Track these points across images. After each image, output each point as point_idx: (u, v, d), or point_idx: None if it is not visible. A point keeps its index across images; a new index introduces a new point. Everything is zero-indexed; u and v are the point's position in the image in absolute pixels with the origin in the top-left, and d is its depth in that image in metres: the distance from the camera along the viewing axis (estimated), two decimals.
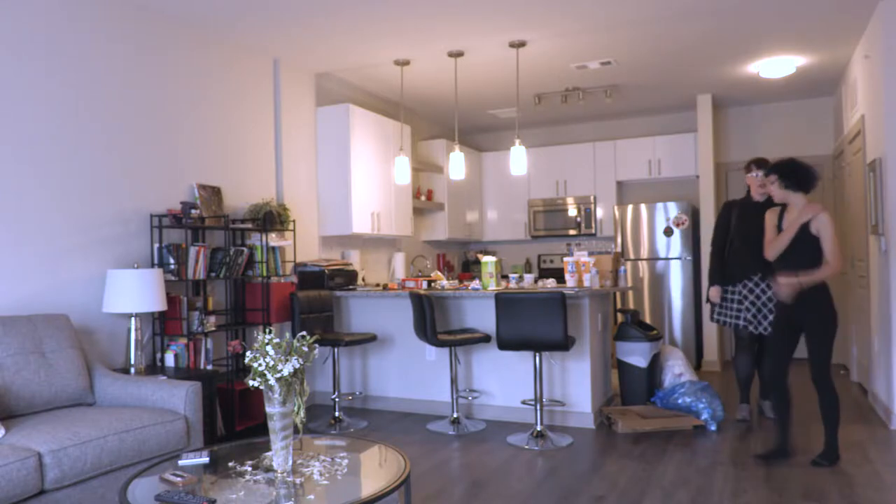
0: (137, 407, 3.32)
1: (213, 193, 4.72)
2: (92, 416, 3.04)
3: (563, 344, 4.15)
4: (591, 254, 5.20)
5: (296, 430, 2.45)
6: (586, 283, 4.82)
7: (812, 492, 3.33)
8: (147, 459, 3.04)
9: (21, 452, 2.60)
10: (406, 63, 5.68)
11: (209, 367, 4.33)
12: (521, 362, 4.88)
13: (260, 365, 2.33)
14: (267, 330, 2.58)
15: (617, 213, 7.36)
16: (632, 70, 6.05)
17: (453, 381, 4.77)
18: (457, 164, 5.80)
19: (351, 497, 2.18)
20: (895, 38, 4.48)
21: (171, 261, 4.19)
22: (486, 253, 8.31)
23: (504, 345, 4.32)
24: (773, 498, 3.26)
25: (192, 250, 4.30)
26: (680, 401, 4.72)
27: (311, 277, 5.30)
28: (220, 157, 4.93)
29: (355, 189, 5.84)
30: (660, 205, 7.15)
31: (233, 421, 4.37)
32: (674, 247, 7.07)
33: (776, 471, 3.66)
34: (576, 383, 4.74)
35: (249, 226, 4.83)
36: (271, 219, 4.89)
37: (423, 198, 7.38)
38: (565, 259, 4.93)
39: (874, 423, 4.61)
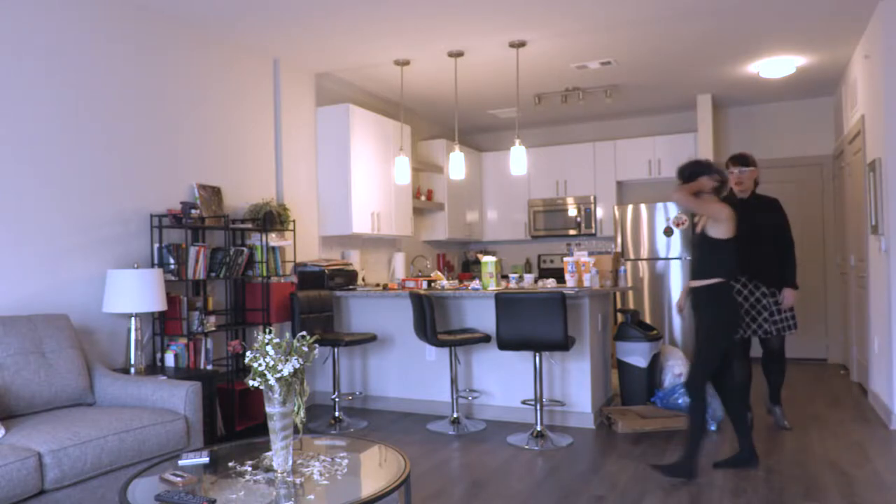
0: (137, 407, 3.32)
1: (213, 193, 4.72)
2: (92, 416, 3.04)
3: (563, 344, 4.15)
4: (591, 254, 5.20)
5: (296, 430, 2.45)
6: (586, 283, 4.82)
7: (812, 492, 3.33)
8: (147, 459, 3.04)
9: (21, 452, 2.60)
10: (406, 63, 5.68)
11: (209, 367, 4.33)
12: (521, 362, 4.88)
13: (260, 365, 2.33)
14: (267, 330, 2.58)
15: (617, 213, 7.35)
16: (632, 70, 6.05)
17: (453, 381, 4.77)
18: (457, 164, 5.81)
19: (351, 497, 2.18)
20: (895, 38, 4.48)
21: (171, 261, 4.19)
22: (486, 253, 8.31)
23: (504, 345, 4.32)
24: (773, 498, 3.26)
25: (192, 250, 4.30)
26: (680, 401, 4.72)
27: (311, 277, 5.30)
28: (220, 157, 4.93)
29: (355, 189, 5.84)
30: (660, 205, 7.14)
31: (233, 421, 4.37)
32: (674, 247, 7.07)
33: (776, 471, 3.66)
34: (576, 383, 4.74)
35: (249, 226, 4.83)
36: (271, 219, 4.89)
37: (423, 198, 7.38)
38: (565, 259, 4.93)
39: (874, 423, 4.61)
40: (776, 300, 4.36)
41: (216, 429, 4.06)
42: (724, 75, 6.28)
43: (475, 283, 5.05)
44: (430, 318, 4.47)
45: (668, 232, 7.09)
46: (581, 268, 4.87)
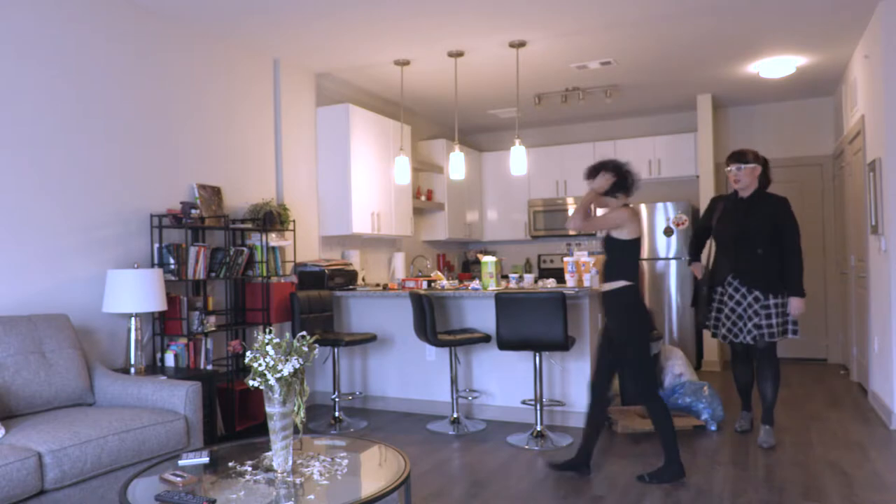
0: (137, 407, 3.32)
1: (213, 193, 4.72)
2: (92, 416, 3.04)
3: (563, 344, 4.14)
4: (591, 254, 5.19)
5: (296, 430, 2.45)
6: (586, 283, 4.82)
7: (812, 492, 3.33)
8: (147, 459, 3.04)
9: (21, 452, 2.60)
10: (406, 63, 5.68)
11: (209, 367, 4.33)
12: (521, 362, 4.88)
13: (260, 365, 2.33)
14: (267, 330, 2.58)
15: None
16: (632, 70, 6.05)
17: (453, 381, 4.77)
18: (457, 164, 5.80)
19: (351, 497, 2.18)
20: (895, 38, 4.48)
21: (171, 261, 4.19)
22: (486, 253, 8.31)
23: (504, 345, 4.32)
24: (773, 498, 3.26)
25: (192, 250, 4.30)
26: (680, 401, 4.72)
27: (311, 277, 5.30)
28: (220, 157, 4.93)
29: (355, 189, 5.84)
30: (660, 205, 7.14)
31: (233, 421, 4.37)
32: (674, 247, 7.07)
33: (776, 471, 3.66)
34: (576, 383, 4.74)
35: (249, 226, 4.83)
36: (271, 219, 4.89)
37: (423, 198, 7.38)
38: (565, 259, 4.93)
39: (874, 423, 4.61)
40: (767, 304, 4.03)
41: (216, 429, 4.06)
42: (724, 75, 6.28)
43: (475, 283, 5.06)
44: (430, 318, 4.47)
45: (668, 232, 7.09)
46: (581, 268, 4.87)
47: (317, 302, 5.12)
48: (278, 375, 2.32)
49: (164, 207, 4.40)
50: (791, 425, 4.60)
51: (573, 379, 4.75)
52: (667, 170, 7.46)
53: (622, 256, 3.55)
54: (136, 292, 3.75)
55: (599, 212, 3.63)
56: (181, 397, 3.32)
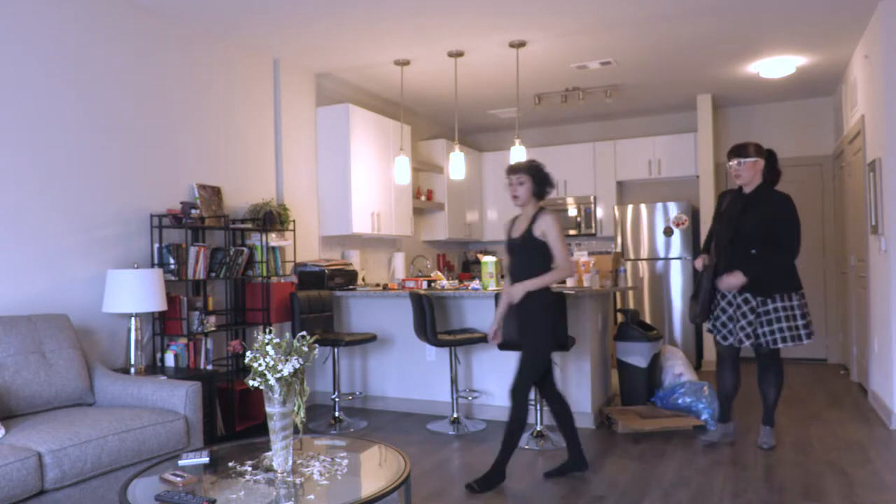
0: (137, 407, 3.32)
1: (213, 193, 4.72)
2: (92, 416, 3.04)
3: (563, 344, 4.14)
4: (591, 254, 5.20)
5: (296, 430, 2.45)
6: (586, 283, 4.82)
7: (812, 492, 3.33)
8: (147, 459, 3.04)
9: (21, 452, 2.60)
10: (406, 63, 5.68)
11: (209, 367, 4.33)
12: None
13: (260, 365, 2.33)
14: (267, 330, 2.58)
15: (617, 213, 7.36)
16: (632, 70, 6.05)
17: (453, 381, 4.77)
18: (457, 164, 5.81)
19: (351, 497, 2.18)
20: (895, 38, 4.48)
21: (171, 261, 4.19)
22: (486, 253, 8.31)
23: (504, 345, 4.32)
24: (773, 498, 3.26)
25: (192, 250, 4.30)
26: (680, 401, 4.72)
27: (311, 277, 5.30)
28: (220, 157, 4.93)
29: (355, 189, 5.84)
30: (660, 205, 7.15)
31: (233, 421, 4.37)
32: (674, 247, 7.07)
33: (776, 471, 3.66)
34: (576, 383, 4.74)
35: (249, 226, 4.83)
36: (271, 219, 4.89)
37: (423, 198, 7.38)
38: None
39: (874, 423, 4.61)
40: (767, 310, 3.87)
41: (216, 429, 4.06)
42: (724, 75, 6.28)
43: (475, 283, 5.06)
44: (431, 318, 4.47)
45: (668, 232, 7.09)
46: (581, 268, 4.87)
47: (317, 302, 5.12)
48: (278, 375, 2.32)
49: (164, 207, 4.40)
50: (791, 425, 4.60)
51: (573, 379, 4.75)
52: (667, 170, 7.46)
53: (543, 255, 3.54)
54: (136, 292, 3.75)
55: (550, 235, 3.55)
56: (181, 397, 3.32)
